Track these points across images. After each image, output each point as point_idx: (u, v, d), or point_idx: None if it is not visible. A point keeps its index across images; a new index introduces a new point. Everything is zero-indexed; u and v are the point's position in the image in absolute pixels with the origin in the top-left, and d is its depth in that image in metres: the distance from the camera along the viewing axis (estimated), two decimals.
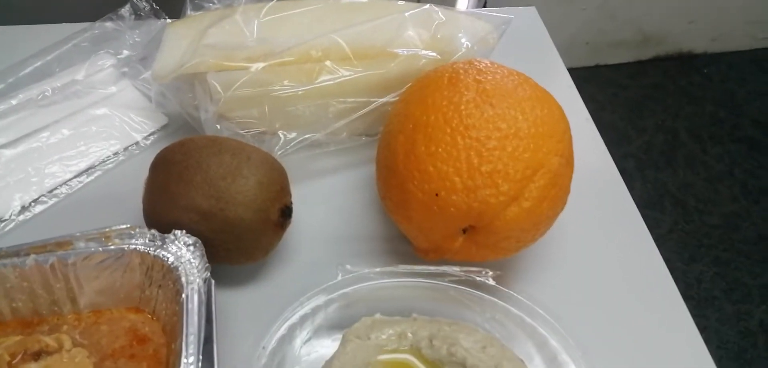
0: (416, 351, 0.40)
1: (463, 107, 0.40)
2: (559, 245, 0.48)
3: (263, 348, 0.38)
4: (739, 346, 1.29)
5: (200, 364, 0.35)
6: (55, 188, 0.49)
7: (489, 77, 0.41)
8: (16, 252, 0.39)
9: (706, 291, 1.36)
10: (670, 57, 1.88)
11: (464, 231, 0.42)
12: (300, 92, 0.47)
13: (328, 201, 0.51)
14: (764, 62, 1.88)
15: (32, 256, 0.39)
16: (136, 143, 0.53)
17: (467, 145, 0.39)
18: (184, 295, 0.38)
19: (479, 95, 0.40)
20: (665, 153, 1.64)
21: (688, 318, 0.45)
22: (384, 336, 0.41)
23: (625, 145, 1.65)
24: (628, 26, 1.78)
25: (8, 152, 0.50)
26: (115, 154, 0.52)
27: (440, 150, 0.39)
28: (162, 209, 0.42)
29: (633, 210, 0.51)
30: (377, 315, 0.42)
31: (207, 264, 0.39)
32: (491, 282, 0.42)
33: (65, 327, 0.41)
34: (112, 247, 0.40)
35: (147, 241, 0.40)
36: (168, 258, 0.40)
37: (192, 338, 0.36)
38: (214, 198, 0.41)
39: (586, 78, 1.72)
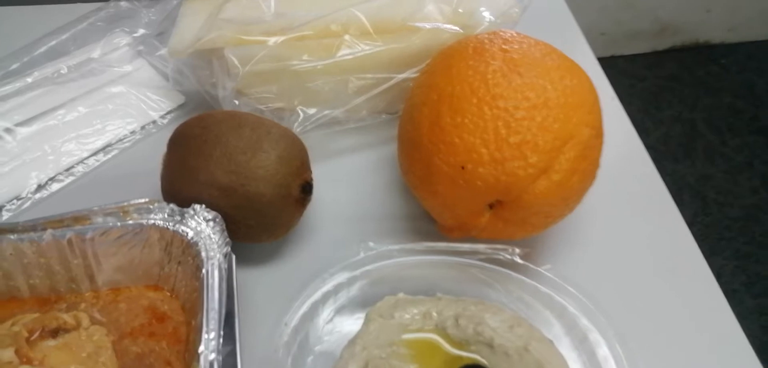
0: (441, 330, 0.39)
1: (489, 76, 0.38)
2: (587, 223, 0.47)
3: (285, 324, 0.37)
4: (761, 341, 1.27)
5: (221, 340, 0.34)
6: (72, 166, 0.49)
7: (515, 46, 0.40)
8: (33, 226, 0.39)
9: (727, 285, 1.34)
10: (687, 47, 1.86)
11: (491, 206, 0.40)
12: (319, 66, 0.46)
13: (349, 180, 0.50)
14: None
15: (49, 231, 0.39)
16: (154, 122, 0.52)
17: (495, 115, 0.37)
18: (204, 271, 0.37)
19: (506, 64, 0.39)
20: (683, 145, 1.62)
21: (721, 298, 0.44)
22: (408, 316, 0.40)
23: (643, 137, 1.61)
24: (644, 16, 1.76)
25: (24, 130, 0.49)
26: (132, 132, 0.51)
27: (466, 121, 0.38)
28: (181, 185, 0.41)
29: (661, 188, 0.50)
30: (400, 295, 0.41)
31: (227, 239, 0.38)
32: (519, 260, 0.41)
33: (83, 305, 0.41)
34: (131, 222, 0.39)
35: (166, 216, 0.40)
36: (187, 233, 0.39)
37: (213, 314, 0.35)
38: (234, 173, 0.40)
39: (602, 69, 1.71)
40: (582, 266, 0.45)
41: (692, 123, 1.68)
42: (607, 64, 0.61)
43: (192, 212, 0.39)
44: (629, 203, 0.49)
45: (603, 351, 0.38)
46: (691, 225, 0.46)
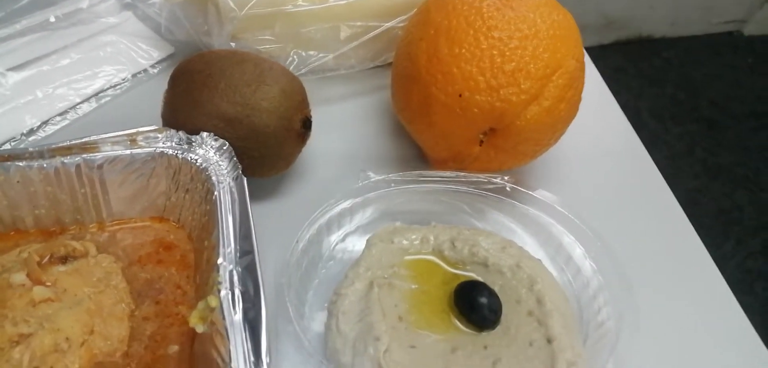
0: (439, 253, 0.41)
1: (484, 10, 0.41)
2: (569, 158, 0.50)
3: (297, 241, 0.39)
4: None
5: (238, 255, 0.35)
6: (65, 111, 0.49)
7: None
8: (41, 153, 0.39)
9: None
10: (631, 41, 1.94)
11: (481, 142, 0.43)
12: (314, 10, 0.48)
13: (342, 125, 0.51)
14: (719, 46, 1.95)
15: (58, 158, 0.39)
16: (145, 70, 0.53)
17: (490, 45, 0.40)
18: (216, 193, 0.38)
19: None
20: None
21: (686, 221, 0.48)
22: (407, 241, 0.42)
23: None
24: (591, 11, 1.83)
25: (16, 75, 0.49)
26: (124, 80, 0.52)
27: (464, 51, 0.40)
28: (185, 117, 0.42)
29: (630, 131, 0.54)
30: (398, 223, 0.43)
31: (237, 165, 0.39)
32: (508, 187, 0.44)
33: (88, 236, 0.41)
34: (139, 151, 0.40)
35: (174, 144, 0.40)
36: (196, 160, 0.40)
37: (228, 230, 0.36)
38: (240, 104, 0.41)
39: None
40: (565, 196, 0.47)
41: (637, 112, 1.75)
42: None
43: (199, 140, 0.40)
44: (602, 144, 0.52)
45: (588, 263, 0.40)
46: None
